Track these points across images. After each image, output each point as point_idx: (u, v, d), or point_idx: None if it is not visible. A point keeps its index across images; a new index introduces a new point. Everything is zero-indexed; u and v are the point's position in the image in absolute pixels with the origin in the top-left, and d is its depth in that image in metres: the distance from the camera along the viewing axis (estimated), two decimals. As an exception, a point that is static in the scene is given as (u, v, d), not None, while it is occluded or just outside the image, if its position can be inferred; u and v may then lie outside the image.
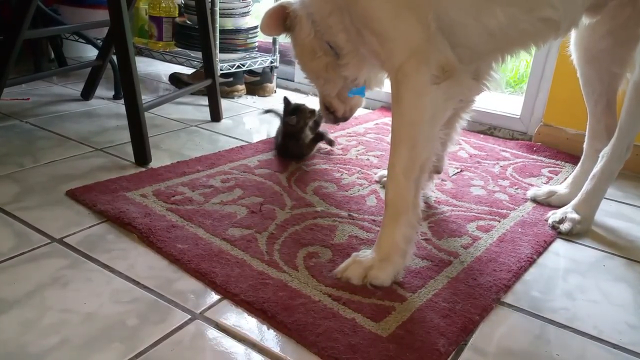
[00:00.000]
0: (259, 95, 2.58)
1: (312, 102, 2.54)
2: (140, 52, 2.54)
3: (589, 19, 1.41)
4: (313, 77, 1.38)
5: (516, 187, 1.70)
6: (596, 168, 1.43)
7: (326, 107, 1.48)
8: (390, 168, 1.13)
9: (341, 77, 1.33)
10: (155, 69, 2.90)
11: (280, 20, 1.29)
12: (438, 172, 1.57)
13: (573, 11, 1.17)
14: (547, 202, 1.59)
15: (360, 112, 2.40)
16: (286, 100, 1.81)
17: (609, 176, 1.42)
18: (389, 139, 1.32)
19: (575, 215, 1.44)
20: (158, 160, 1.69)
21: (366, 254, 1.16)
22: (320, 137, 1.81)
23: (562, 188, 1.61)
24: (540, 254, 1.33)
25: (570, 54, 1.51)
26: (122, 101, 2.11)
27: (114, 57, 2.14)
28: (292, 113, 1.73)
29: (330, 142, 1.86)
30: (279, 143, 1.79)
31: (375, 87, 1.41)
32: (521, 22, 1.10)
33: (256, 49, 2.59)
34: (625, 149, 1.39)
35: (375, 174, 1.70)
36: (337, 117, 1.49)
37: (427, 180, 1.54)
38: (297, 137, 1.74)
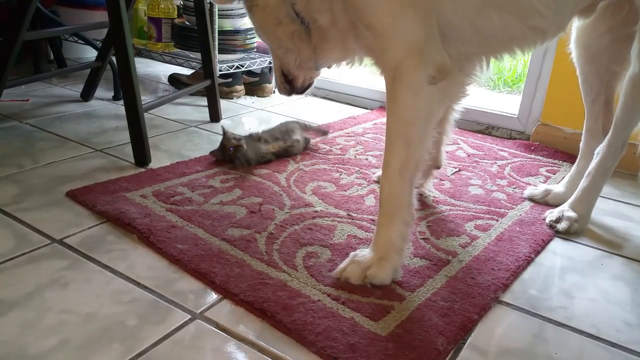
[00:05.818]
0: (257, 96, 2.59)
1: (310, 103, 2.56)
2: (140, 53, 2.54)
3: (582, 20, 1.42)
4: (275, 45, 1.25)
5: (514, 186, 1.70)
6: (591, 165, 1.43)
7: (284, 75, 1.33)
8: (384, 166, 1.13)
9: (309, 49, 1.21)
10: (154, 69, 2.91)
11: None
12: (438, 167, 1.57)
13: (560, 19, 1.20)
14: (544, 201, 1.59)
15: (358, 112, 2.42)
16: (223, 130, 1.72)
17: (605, 173, 1.42)
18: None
19: (572, 214, 1.44)
20: (157, 160, 1.70)
21: (364, 254, 1.16)
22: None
23: (558, 187, 1.61)
24: (538, 253, 1.34)
25: (570, 51, 1.52)
26: (121, 102, 2.12)
27: (114, 58, 2.14)
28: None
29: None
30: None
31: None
32: (512, 28, 1.12)
33: (255, 50, 2.59)
34: (620, 145, 1.39)
35: (374, 173, 1.70)
36: (295, 87, 1.35)
37: (426, 176, 1.55)
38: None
